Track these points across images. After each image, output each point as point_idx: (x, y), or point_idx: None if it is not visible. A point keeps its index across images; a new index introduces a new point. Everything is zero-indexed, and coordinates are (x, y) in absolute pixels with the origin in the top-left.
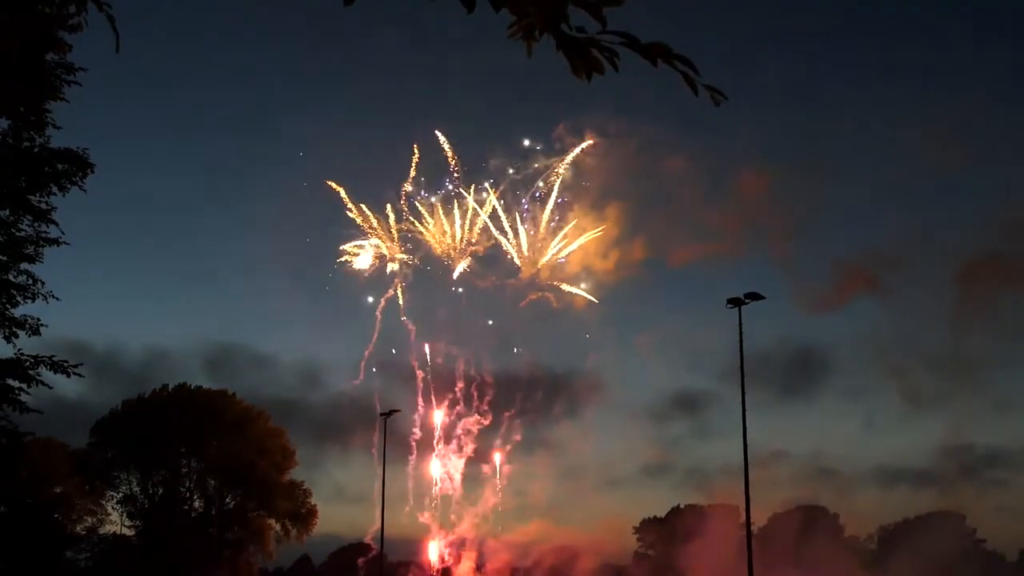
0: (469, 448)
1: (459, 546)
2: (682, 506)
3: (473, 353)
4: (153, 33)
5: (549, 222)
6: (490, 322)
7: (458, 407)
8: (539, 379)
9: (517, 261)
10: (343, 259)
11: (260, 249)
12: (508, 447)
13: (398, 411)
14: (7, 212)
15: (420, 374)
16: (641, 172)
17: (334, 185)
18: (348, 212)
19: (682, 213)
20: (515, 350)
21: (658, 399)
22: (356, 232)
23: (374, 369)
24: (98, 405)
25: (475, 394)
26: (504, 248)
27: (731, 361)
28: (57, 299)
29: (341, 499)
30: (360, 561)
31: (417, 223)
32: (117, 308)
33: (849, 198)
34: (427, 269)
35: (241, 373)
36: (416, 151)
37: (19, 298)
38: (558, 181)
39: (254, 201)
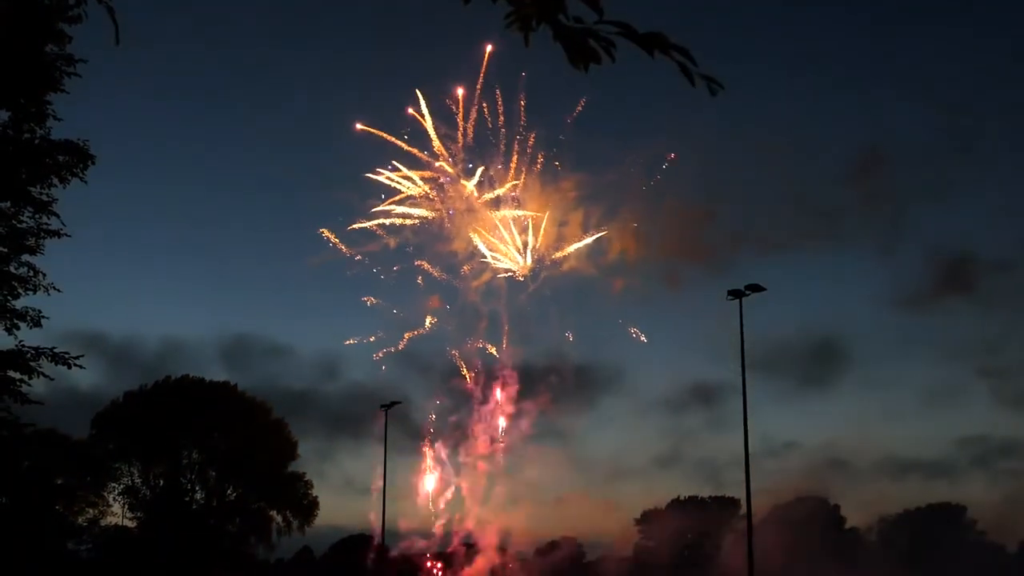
0: (486, 439)
1: (476, 536)
2: (682, 497)
3: (513, 343)
4: (153, 23)
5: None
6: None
7: (477, 399)
8: (583, 369)
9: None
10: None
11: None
12: (523, 436)
13: (399, 402)
14: (8, 204)
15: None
16: (747, 164)
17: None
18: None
19: (780, 207)
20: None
21: (681, 388)
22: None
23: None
24: (113, 396)
25: (505, 385)
26: (602, 238)
27: (763, 352)
28: (59, 291)
29: (350, 490)
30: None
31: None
32: (135, 299)
33: (961, 193)
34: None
35: (258, 364)
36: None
37: (20, 290)
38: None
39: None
